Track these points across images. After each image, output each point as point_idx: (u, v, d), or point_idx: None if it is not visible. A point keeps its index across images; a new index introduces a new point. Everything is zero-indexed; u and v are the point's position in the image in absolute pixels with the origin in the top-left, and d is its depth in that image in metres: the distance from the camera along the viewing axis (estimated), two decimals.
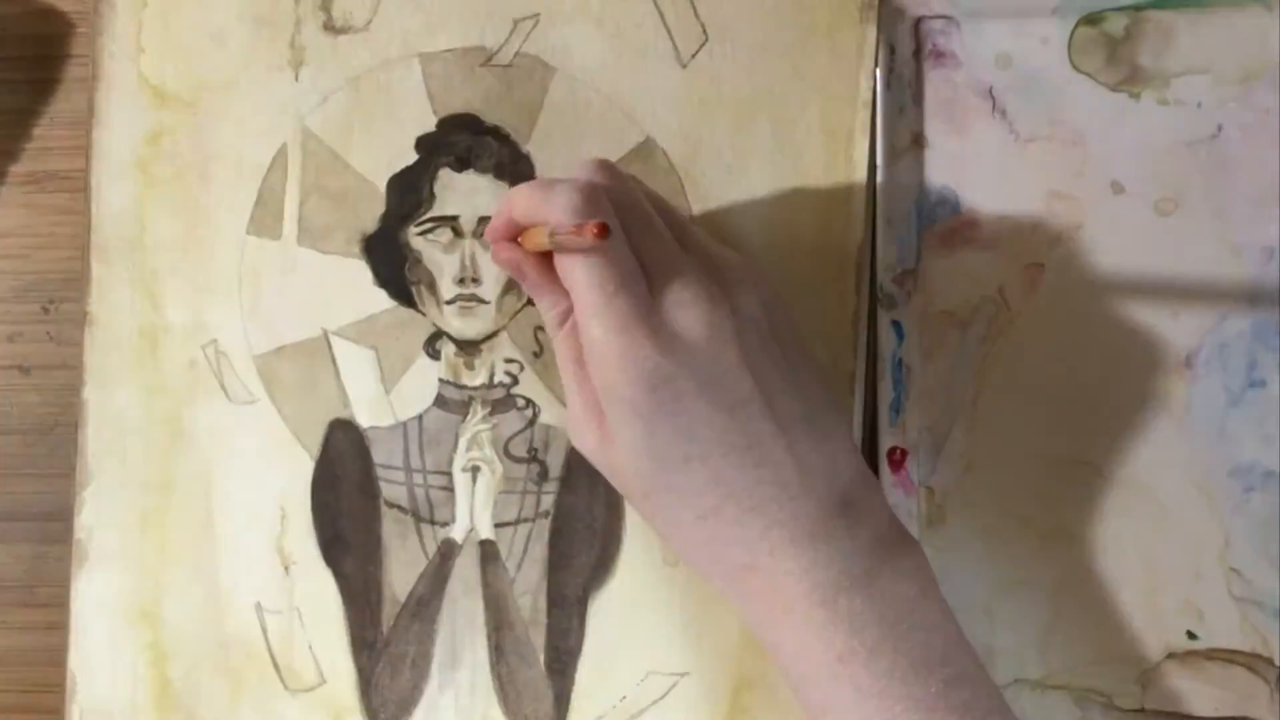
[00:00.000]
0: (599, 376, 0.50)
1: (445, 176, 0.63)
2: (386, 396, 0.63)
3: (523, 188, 0.53)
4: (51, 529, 0.66)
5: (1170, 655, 0.61)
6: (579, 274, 0.50)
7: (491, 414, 0.63)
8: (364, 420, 0.63)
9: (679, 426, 0.49)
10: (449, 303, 0.63)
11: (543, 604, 0.62)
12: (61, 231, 0.66)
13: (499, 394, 0.63)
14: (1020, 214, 0.61)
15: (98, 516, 0.63)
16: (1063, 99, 0.61)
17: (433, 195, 0.63)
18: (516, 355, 0.63)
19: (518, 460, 0.63)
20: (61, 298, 0.66)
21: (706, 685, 0.61)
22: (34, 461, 0.67)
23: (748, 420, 0.50)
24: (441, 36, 0.63)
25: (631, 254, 0.51)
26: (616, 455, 0.51)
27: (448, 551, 0.63)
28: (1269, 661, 0.60)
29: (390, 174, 0.63)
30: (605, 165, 0.53)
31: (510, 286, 0.63)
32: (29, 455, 0.67)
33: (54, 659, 0.64)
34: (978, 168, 0.62)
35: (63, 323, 0.66)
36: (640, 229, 0.52)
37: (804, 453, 0.50)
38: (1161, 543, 0.61)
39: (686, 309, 0.50)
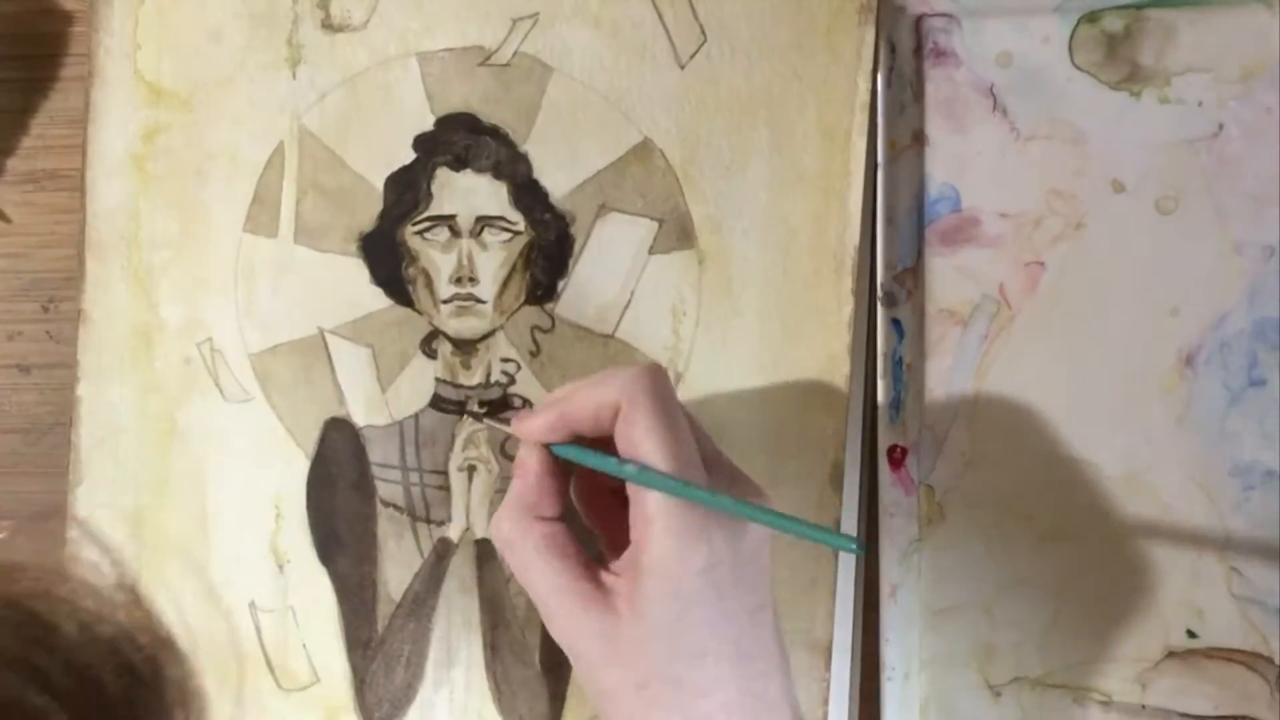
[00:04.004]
0: (654, 548, 0.47)
1: (443, 175, 0.63)
2: (382, 395, 0.63)
3: (588, 403, 0.49)
4: (51, 528, 0.66)
5: (1170, 654, 0.60)
6: (649, 444, 0.47)
7: (488, 414, 0.62)
8: (360, 419, 0.63)
9: (709, 618, 0.47)
10: (446, 302, 0.62)
11: None
12: (61, 230, 0.66)
13: (496, 393, 0.62)
14: (1020, 212, 0.61)
15: (90, 514, 0.63)
16: (1063, 97, 0.61)
17: (430, 194, 0.63)
18: (513, 355, 0.62)
19: (514, 460, 0.62)
20: (61, 296, 0.66)
21: None
22: (33, 460, 0.67)
23: (760, 628, 0.48)
24: (440, 35, 0.62)
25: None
26: (633, 631, 0.47)
27: (443, 550, 0.62)
28: (1269, 660, 0.60)
29: (388, 173, 0.63)
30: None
31: (507, 286, 0.62)
32: (28, 454, 0.67)
33: None
34: (978, 166, 0.62)
35: (62, 321, 0.66)
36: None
37: (787, 678, 0.49)
38: (1161, 542, 0.60)
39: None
